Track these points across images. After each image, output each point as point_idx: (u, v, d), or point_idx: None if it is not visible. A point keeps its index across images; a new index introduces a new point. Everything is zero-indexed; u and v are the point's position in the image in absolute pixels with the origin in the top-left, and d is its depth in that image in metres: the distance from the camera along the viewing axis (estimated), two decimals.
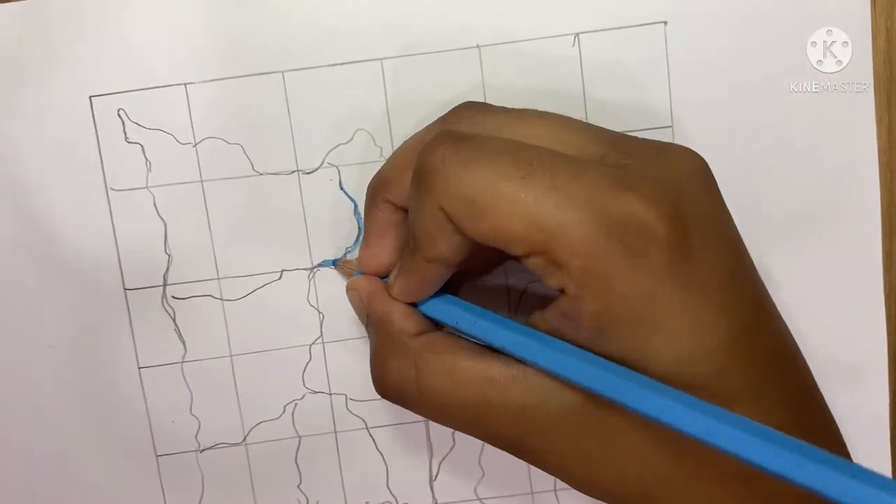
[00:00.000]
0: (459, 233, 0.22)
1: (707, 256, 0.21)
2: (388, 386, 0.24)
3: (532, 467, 0.31)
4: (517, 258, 0.22)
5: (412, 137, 0.26)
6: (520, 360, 0.23)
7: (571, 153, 0.22)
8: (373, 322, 0.26)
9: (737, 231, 0.23)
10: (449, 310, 0.25)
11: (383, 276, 0.26)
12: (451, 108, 0.25)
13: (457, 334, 0.24)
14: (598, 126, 0.24)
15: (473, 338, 0.24)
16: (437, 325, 0.25)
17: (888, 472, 0.31)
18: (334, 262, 0.29)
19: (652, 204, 0.20)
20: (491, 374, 0.23)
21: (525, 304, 0.30)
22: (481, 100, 0.29)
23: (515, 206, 0.21)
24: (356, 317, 0.30)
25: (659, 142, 0.24)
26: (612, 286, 0.20)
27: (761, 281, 0.23)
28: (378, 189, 0.26)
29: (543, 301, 0.23)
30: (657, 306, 0.21)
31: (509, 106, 0.24)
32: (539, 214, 0.20)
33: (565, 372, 0.21)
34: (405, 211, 0.25)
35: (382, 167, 0.26)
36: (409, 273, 0.24)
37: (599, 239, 0.20)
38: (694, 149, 0.29)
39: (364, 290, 0.26)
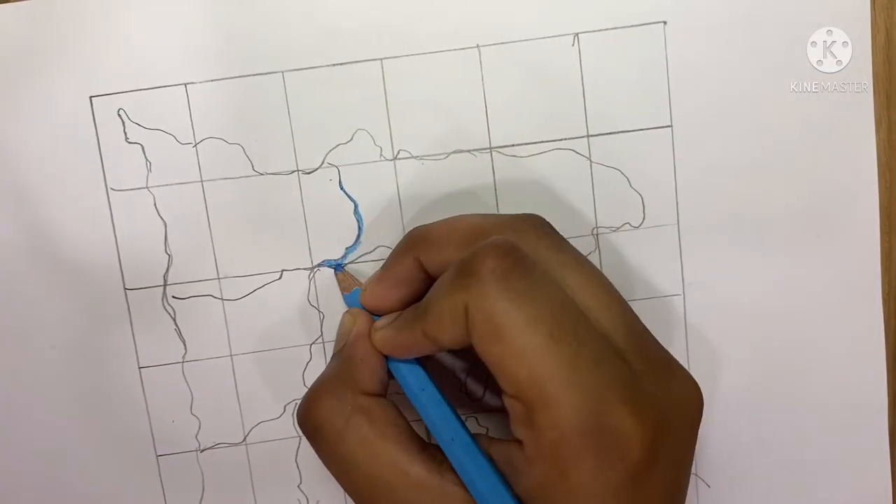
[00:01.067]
0: (467, 337, 0.22)
1: (655, 492, 0.22)
2: (310, 418, 0.25)
3: None
4: (500, 389, 0.22)
5: (472, 216, 0.25)
6: (443, 472, 0.23)
7: (603, 327, 0.23)
8: (342, 357, 0.26)
9: (688, 478, 0.24)
10: (407, 377, 0.25)
11: (376, 314, 0.27)
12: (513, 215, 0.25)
13: (401, 413, 0.25)
14: (634, 314, 0.24)
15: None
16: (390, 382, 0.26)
17: (888, 472, 0.31)
18: (338, 266, 0.29)
19: (640, 426, 0.21)
20: (407, 469, 0.23)
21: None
22: (480, 99, 0.29)
23: (531, 355, 0.21)
24: None
25: (673, 361, 0.24)
26: (566, 473, 0.21)
27: None
28: (416, 244, 0.26)
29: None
30: None
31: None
32: (545, 376, 0.21)
33: (475, 494, 0.23)
34: (428, 275, 0.26)
35: (431, 226, 0.26)
36: (401, 332, 0.25)
37: (582, 430, 0.21)
38: (694, 149, 0.29)
39: (358, 326, 0.26)
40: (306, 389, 0.30)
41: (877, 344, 0.30)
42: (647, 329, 0.24)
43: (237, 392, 0.30)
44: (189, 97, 0.29)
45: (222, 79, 0.29)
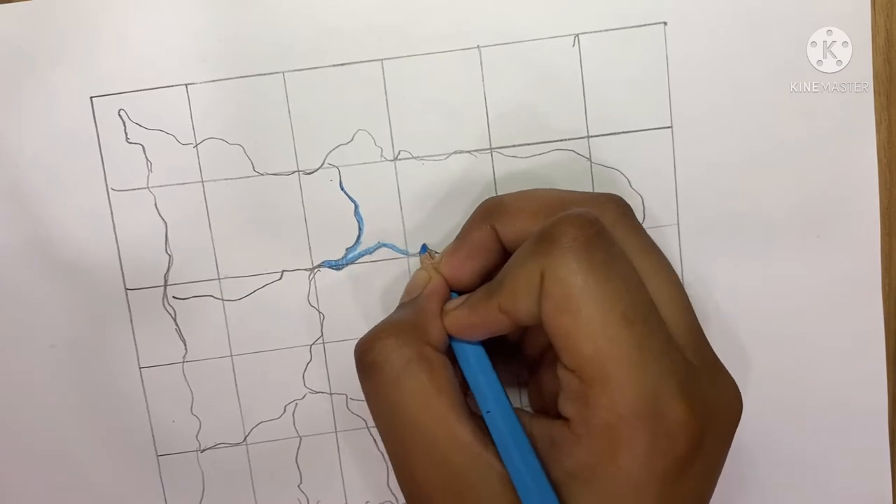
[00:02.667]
0: (540, 306, 0.22)
1: (692, 487, 0.22)
2: (370, 353, 0.24)
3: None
4: (558, 362, 0.22)
5: (552, 189, 0.26)
6: (487, 442, 0.23)
7: (667, 317, 0.23)
8: (415, 306, 0.25)
9: (717, 480, 0.24)
10: (467, 356, 0.25)
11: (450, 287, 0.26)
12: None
13: (455, 376, 0.25)
14: (693, 311, 0.24)
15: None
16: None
17: (888, 472, 0.31)
18: (423, 249, 0.28)
19: (692, 420, 0.21)
20: (455, 428, 0.23)
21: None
22: (480, 99, 0.29)
23: (600, 332, 0.21)
24: (357, 317, 0.30)
25: (720, 363, 0.24)
26: (615, 455, 0.21)
27: None
28: (492, 213, 0.25)
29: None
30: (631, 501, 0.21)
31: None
32: (612, 356, 0.21)
33: (512, 470, 0.23)
34: (503, 246, 0.25)
35: (507, 196, 0.26)
36: (475, 309, 0.24)
37: (639, 414, 0.21)
38: (694, 149, 0.29)
39: (434, 283, 0.26)
40: (307, 390, 0.30)
41: (877, 344, 0.30)
42: (701, 328, 0.24)
43: (237, 392, 0.30)
44: (189, 97, 0.29)
45: (222, 79, 0.29)
